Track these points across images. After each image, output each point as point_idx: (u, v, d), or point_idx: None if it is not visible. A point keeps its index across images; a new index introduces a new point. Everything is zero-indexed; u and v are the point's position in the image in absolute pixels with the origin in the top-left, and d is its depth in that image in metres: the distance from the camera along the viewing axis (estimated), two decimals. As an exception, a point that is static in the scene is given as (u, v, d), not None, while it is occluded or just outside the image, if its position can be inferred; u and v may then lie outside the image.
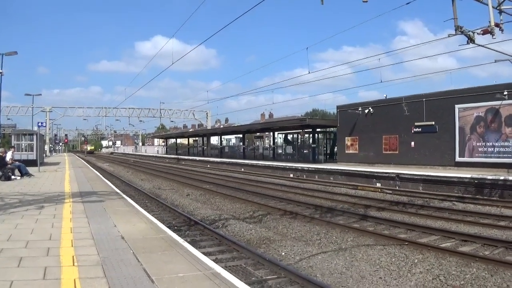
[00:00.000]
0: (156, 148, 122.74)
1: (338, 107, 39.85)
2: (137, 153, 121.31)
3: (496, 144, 25.52)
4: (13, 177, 23.43)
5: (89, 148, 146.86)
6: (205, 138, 75.47)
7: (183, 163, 63.78)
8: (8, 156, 25.02)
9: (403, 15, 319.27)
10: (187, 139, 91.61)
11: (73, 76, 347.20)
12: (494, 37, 14.43)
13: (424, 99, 30.07)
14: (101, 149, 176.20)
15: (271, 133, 57.75)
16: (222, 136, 74.81)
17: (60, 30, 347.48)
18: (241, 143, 66.06)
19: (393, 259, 10.14)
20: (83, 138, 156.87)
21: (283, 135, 56.10)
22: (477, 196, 20.52)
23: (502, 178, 20.77)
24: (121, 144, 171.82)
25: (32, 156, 34.90)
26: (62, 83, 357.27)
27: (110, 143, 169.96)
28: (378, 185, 26.50)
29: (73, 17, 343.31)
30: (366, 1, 15.13)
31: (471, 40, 14.78)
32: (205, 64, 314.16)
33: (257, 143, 74.15)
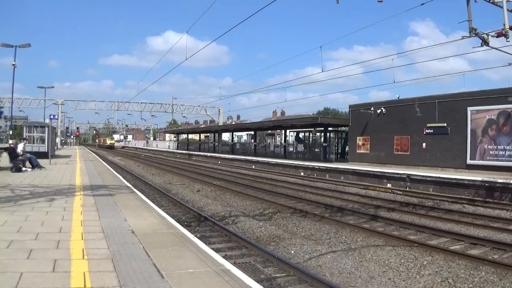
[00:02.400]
0: (168, 143, 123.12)
1: (350, 106, 39.73)
2: (148, 147, 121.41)
3: (508, 147, 25.36)
4: (24, 169, 23.53)
5: (108, 142, 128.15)
6: (216, 134, 75.50)
7: (194, 158, 63.95)
8: (20, 148, 25.14)
9: (415, 16, 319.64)
10: (198, 135, 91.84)
11: (84, 69, 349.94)
12: (508, 40, 14.35)
13: (436, 101, 29.94)
14: None
15: (283, 131, 57.70)
16: (234, 133, 74.86)
17: (71, 23, 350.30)
18: (252, 140, 66.13)
19: (402, 261, 10.12)
20: (94, 132, 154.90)
21: (295, 133, 56.08)
22: (488, 199, 20.44)
23: (513, 181, 20.66)
24: (133, 139, 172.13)
25: (43, 148, 35.02)
26: (73, 77, 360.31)
27: (122, 137, 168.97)
28: (389, 185, 26.43)
29: (84, 11, 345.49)
30: (382, 1, 15.11)
31: (485, 42, 14.71)
32: (217, 60, 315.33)
33: (269, 140, 74.21)
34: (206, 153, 67.65)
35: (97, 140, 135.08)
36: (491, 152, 26.34)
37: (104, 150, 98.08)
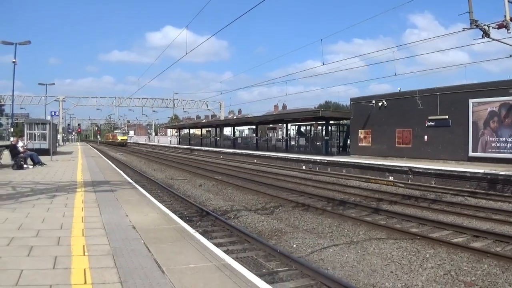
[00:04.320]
0: (169, 138, 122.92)
1: (351, 99, 39.62)
2: (150, 143, 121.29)
3: (510, 139, 25.29)
4: (25, 166, 23.55)
5: (119, 138, 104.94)
6: (218, 129, 75.51)
7: (196, 153, 63.96)
8: (20, 144, 25.11)
9: (414, 8, 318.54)
10: (200, 129, 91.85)
11: (84, 66, 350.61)
12: (509, 31, 14.34)
13: (438, 93, 29.85)
14: None
15: (284, 125, 57.69)
16: (235, 127, 74.89)
17: (71, 20, 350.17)
18: (254, 134, 66.13)
19: (405, 254, 10.10)
20: (96, 128, 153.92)
21: (296, 126, 56.08)
22: (490, 192, 20.37)
23: (515, 173, 20.61)
24: (134, 134, 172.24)
25: (44, 145, 35.01)
26: (74, 73, 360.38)
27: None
28: (391, 178, 26.40)
29: (83, 7, 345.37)
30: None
31: (486, 34, 14.70)
32: (216, 55, 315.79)
33: (270, 134, 74.18)
34: (207, 148, 67.62)
35: (98, 137, 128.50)
36: (493, 144, 26.28)
37: (106, 146, 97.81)
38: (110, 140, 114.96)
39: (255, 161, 43.98)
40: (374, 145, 35.56)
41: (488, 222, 13.72)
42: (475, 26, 14.61)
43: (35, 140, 34.84)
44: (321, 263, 9.50)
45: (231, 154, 53.07)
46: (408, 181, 25.23)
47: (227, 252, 8.28)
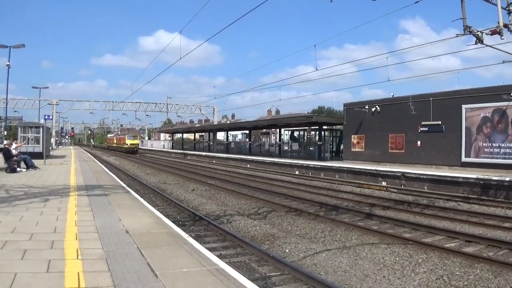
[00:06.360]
0: (162, 143, 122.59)
1: (345, 104, 39.73)
2: (143, 147, 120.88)
3: (503, 145, 25.40)
4: (18, 169, 23.47)
5: (129, 142, 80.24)
6: (211, 134, 75.47)
7: (189, 158, 63.88)
8: (13, 146, 25.04)
9: (405, 14, 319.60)
10: (193, 134, 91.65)
11: (77, 70, 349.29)
12: (502, 37, 14.41)
13: (431, 99, 29.95)
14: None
15: (277, 130, 57.73)
16: (229, 132, 74.79)
17: (63, 23, 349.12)
18: (247, 139, 66.12)
19: (397, 258, 10.13)
20: (89, 132, 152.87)
21: (289, 131, 56.09)
22: (482, 197, 20.43)
23: (507, 179, 20.65)
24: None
25: (38, 148, 34.95)
26: (67, 77, 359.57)
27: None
28: (384, 183, 26.44)
29: (75, 10, 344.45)
30: (375, -1, 15.13)
31: (479, 40, 14.75)
32: (209, 60, 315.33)
33: (263, 139, 74.18)
34: (201, 153, 67.58)
35: (92, 141, 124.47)
36: (486, 150, 26.37)
37: (99, 150, 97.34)
38: (115, 144, 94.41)
39: (248, 166, 44.00)
40: (367, 151, 35.63)
41: (480, 227, 13.78)
42: (468, 33, 14.67)
43: (28, 144, 34.75)
44: (313, 268, 9.53)
45: (224, 159, 53.05)
46: (401, 186, 25.30)
47: (220, 256, 8.26)
